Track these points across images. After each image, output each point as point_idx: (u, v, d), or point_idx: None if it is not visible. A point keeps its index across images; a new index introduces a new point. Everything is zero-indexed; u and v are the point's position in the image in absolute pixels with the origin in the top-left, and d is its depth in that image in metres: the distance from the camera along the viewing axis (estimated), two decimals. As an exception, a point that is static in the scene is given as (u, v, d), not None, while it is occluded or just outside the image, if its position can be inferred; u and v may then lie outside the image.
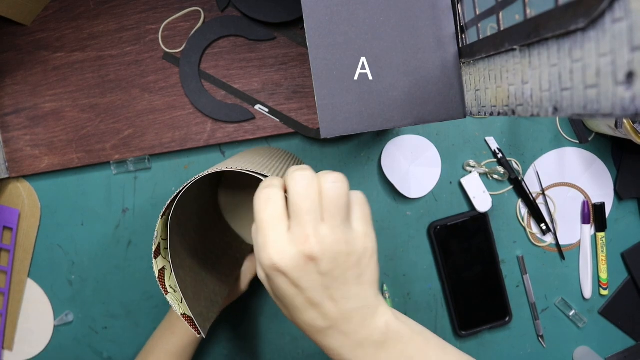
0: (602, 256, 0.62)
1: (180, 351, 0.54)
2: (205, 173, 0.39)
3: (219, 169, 0.40)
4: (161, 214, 0.41)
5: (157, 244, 0.41)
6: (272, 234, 0.32)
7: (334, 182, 0.33)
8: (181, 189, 0.40)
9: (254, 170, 0.38)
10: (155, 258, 0.41)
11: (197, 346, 0.57)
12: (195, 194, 0.53)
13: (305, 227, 0.31)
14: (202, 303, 0.46)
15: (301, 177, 0.32)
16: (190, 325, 0.41)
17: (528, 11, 0.28)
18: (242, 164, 0.42)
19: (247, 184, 0.61)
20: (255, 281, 0.63)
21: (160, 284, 0.41)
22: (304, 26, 0.42)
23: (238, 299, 0.63)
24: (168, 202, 0.40)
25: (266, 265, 0.32)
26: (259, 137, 0.60)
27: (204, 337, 0.42)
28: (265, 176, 0.37)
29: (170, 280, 0.42)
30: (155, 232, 0.41)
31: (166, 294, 0.41)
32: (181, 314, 0.41)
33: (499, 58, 0.32)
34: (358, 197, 0.36)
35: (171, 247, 0.43)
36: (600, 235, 0.62)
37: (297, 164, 0.48)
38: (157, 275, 0.41)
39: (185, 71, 0.59)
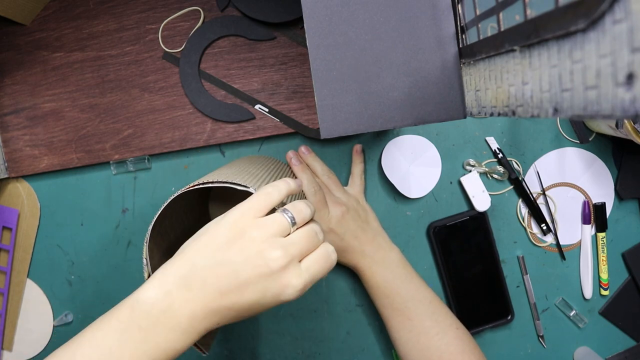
0: (602, 256, 0.62)
1: None
2: (182, 190, 0.40)
3: (196, 186, 0.40)
4: (146, 240, 0.41)
5: (148, 272, 0.41)
6: (323, 211, 0.55)
7: (322, 173, 0.59)
8: (160, 211, 0.40)
9: (236, 182, 0.39)
10: None
11: None
12: (184, 204, 0.52)
13: (330, 197, 0.57)
14: None
15: (305, 179, 0.56)
16: (194, 346, 0.41)
17: (528, 12, 0.28)
18: (227, 175, 0.42)
19: (235, 192, 0.60)
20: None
21: None
22: (304, 26, 0.42)
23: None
24: (150, 227, 0.40)
25: (324, 230, 0.54)
26: (259, 137, 0.60)
27: (207, 353, 0.42)
28: (244, 186, 0.39)
29: None
30: (144, 259, 0.41)
31: None
32: None
33: (499, 58, 0.32)
34: (357, 172, 0.61)
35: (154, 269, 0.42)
36: (601, 235, 0.62)
37: (282, 169, 0.54)
38: None
39: (185, 71, 0.59)
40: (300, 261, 0.35)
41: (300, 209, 0.37)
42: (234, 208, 0.36)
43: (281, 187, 0.38)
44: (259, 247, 0.34)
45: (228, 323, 0.35)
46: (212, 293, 0.33)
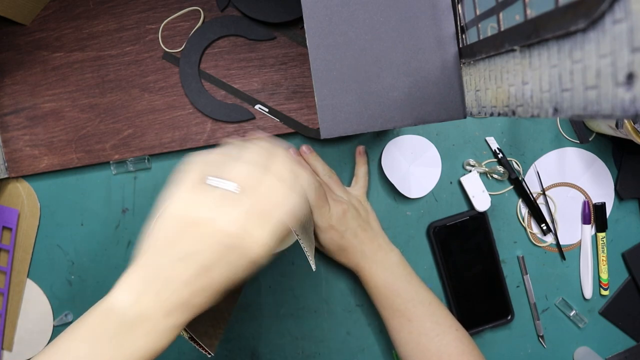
0: (602, 256, 0.62)
1: None
2: None
3: None
4: None
5: None
6: (324, 208, 0.54)
7: (324, 173, 0.59)
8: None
9: None
10: None
11: None
12: None
13: (331, 195, 0.56)
14: (207, 322, 0.45)
15: (307, 178, 0.52)
16: (198, 347, 0.41)
17: (528, 12, 0.28)
18: None
19: None
20: (255, 280, 0.63)
21: None
22: (304, 26, 0.42)
23: (240, 300, 0.63)
24: None
25: (325, 227, 0.54)
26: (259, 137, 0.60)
27: (212, 354, 0.42)
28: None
29: None
30: None
31: None
32: (188, 338, 0.40)
33: (499, 58, 0.32)
34: (361, 173, 0.61)
35: None
36: (601, 235, 0.62)
37: None
38: None
39: (185, 71, 0.59)
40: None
41: (223, 170, 0.34)
42: (169, 197, 0.34)
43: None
44: (206, 225, 0.32)
45: (211, 304, 0.34)
46: (180, 287, 0.32)
